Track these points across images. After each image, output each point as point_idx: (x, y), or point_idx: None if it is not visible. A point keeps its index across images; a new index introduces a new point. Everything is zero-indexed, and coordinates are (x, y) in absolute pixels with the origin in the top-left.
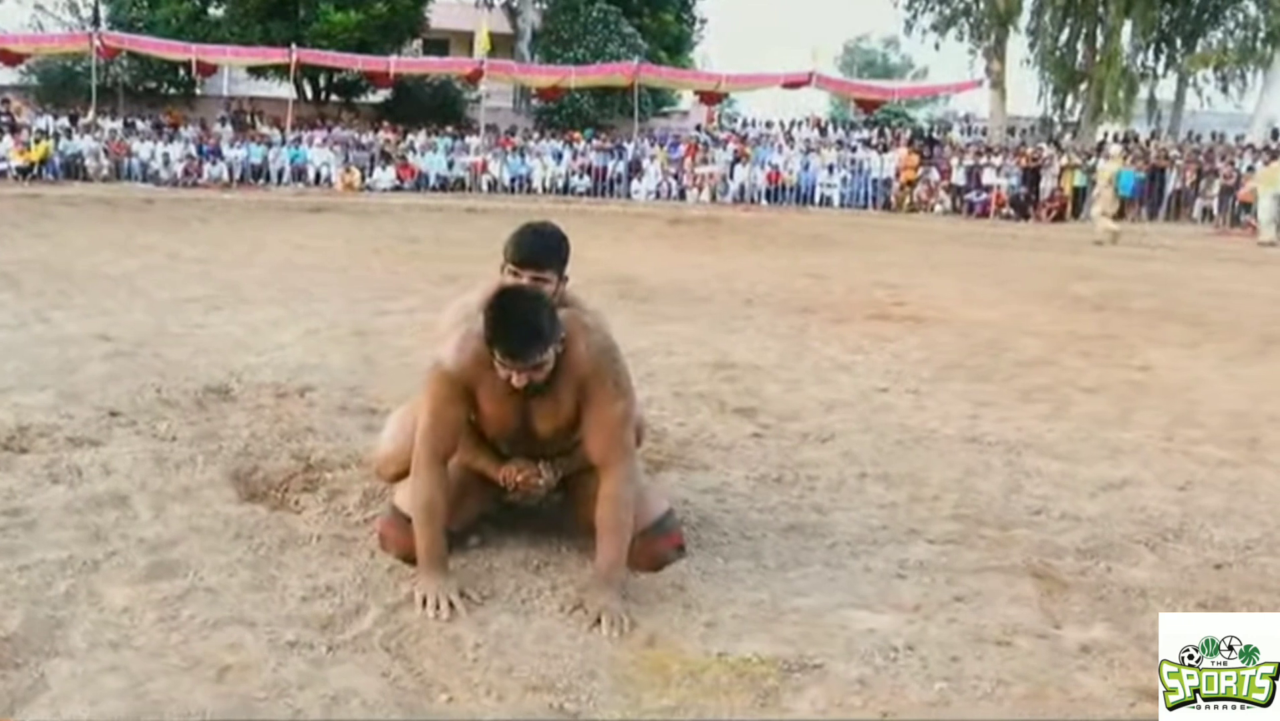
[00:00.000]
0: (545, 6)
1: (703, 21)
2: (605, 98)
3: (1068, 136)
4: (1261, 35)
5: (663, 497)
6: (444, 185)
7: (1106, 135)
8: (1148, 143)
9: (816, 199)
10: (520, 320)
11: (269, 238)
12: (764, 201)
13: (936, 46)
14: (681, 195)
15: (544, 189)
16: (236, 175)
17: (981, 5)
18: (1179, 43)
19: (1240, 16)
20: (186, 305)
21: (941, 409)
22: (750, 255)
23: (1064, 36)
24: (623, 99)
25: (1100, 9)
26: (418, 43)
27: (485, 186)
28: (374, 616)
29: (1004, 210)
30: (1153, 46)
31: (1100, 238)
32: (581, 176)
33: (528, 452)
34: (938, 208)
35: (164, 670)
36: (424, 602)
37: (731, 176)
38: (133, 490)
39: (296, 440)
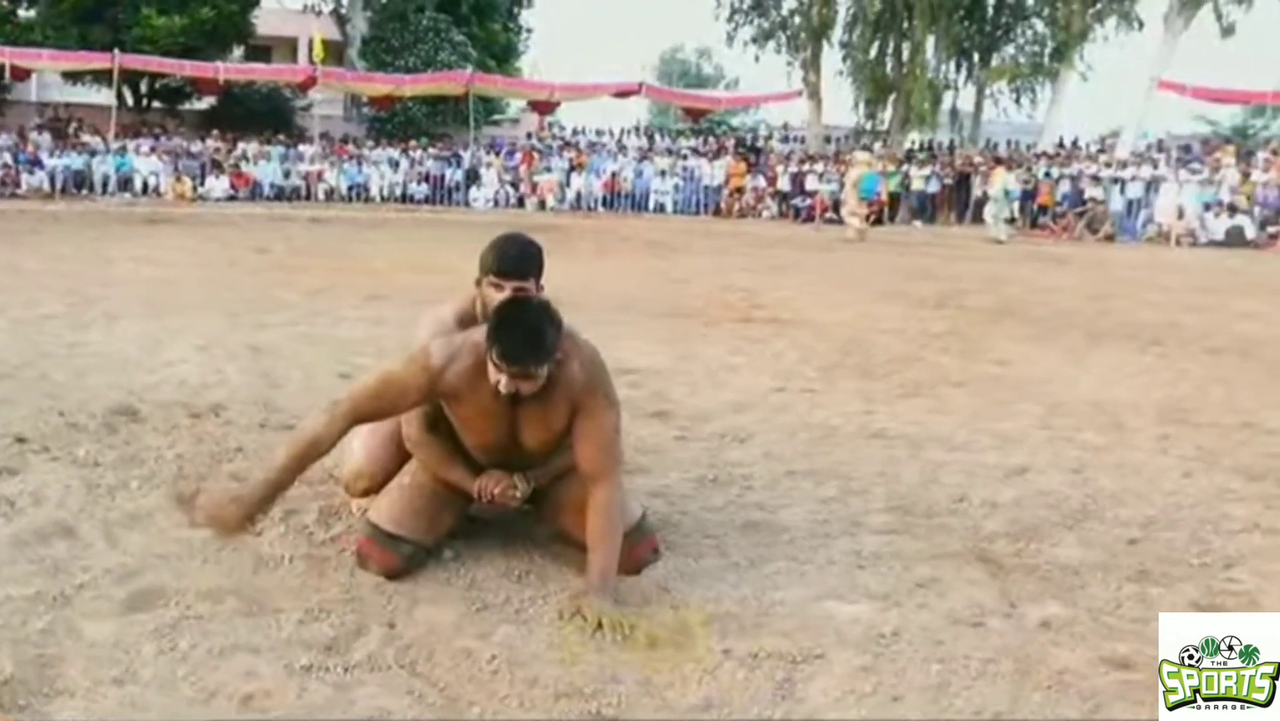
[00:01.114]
0: (374, 14)
1: (528, 31)
2: (437, 106)
3: (879, 144)
4: (1048, 51)
5: (636, 502)
6: (280, 194)
7: (914, 143)
8: (949, 150)
9: (651, 205)
10: (528, 328)
11: (111, 250)
12: (601, 208)
13: (756, 59)
14: (520, 203)
15: (382, 197)
16: (59, 185)
17: (798, 20)
18: (977, 57)
19: (1030, 33)
20: (49, 322)
21: (837, 407)
22: (604, 261)
23: (874, 50)
24: (455, 107)
25: (906, 24)
26: (240, 50)
27: (322, 195)
28: (379, 636)
29: (827, 215)
30: (954, 60)
31: (850, 236)
32: (420, 184)
33: (504, 464)
34: (765, 213)
35: (181, 702)
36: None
37: (568, 184)
38: (76, 519)
39: (229, 461)
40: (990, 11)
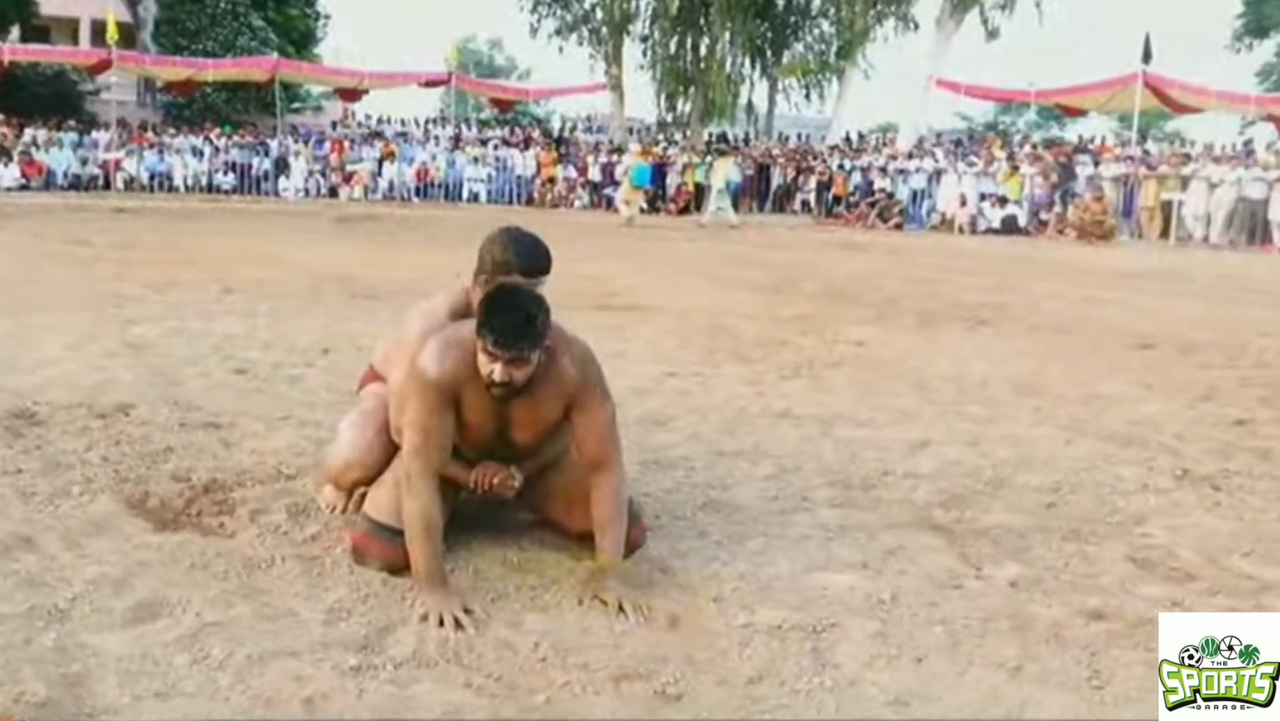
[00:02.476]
0: None
1: (327, 17)
2: (238, 93)
3: (679, 136)
4: (834, 50)
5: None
6: (76, 184)
7: (712, 135)
8: (745, 143)
9: (464, 195)
10: (519, 311)
11: None
12: (415, 198)
13: (560, 50)
14: (333, 193)
15: (187, 187)
16: None
17: (599, 14)
18: (770, 54)
19: (817, 32)
20: None
21: (730, 389)
22: (439, 252)
23: (674, 45)
24: (258, 94)
25: (704, 21)
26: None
27: (122, 184)
28: (412, 631)
29: (641, 205)
30: (749, 56)
31: (623, 222)
32: (226, 174)
33: (494, 458)
34: (577, 202)
35: (240, 711)
36: (429, 619)
37: (380, 174)
38: (28, 530)
39: (163, 462)
40: (781, 11)
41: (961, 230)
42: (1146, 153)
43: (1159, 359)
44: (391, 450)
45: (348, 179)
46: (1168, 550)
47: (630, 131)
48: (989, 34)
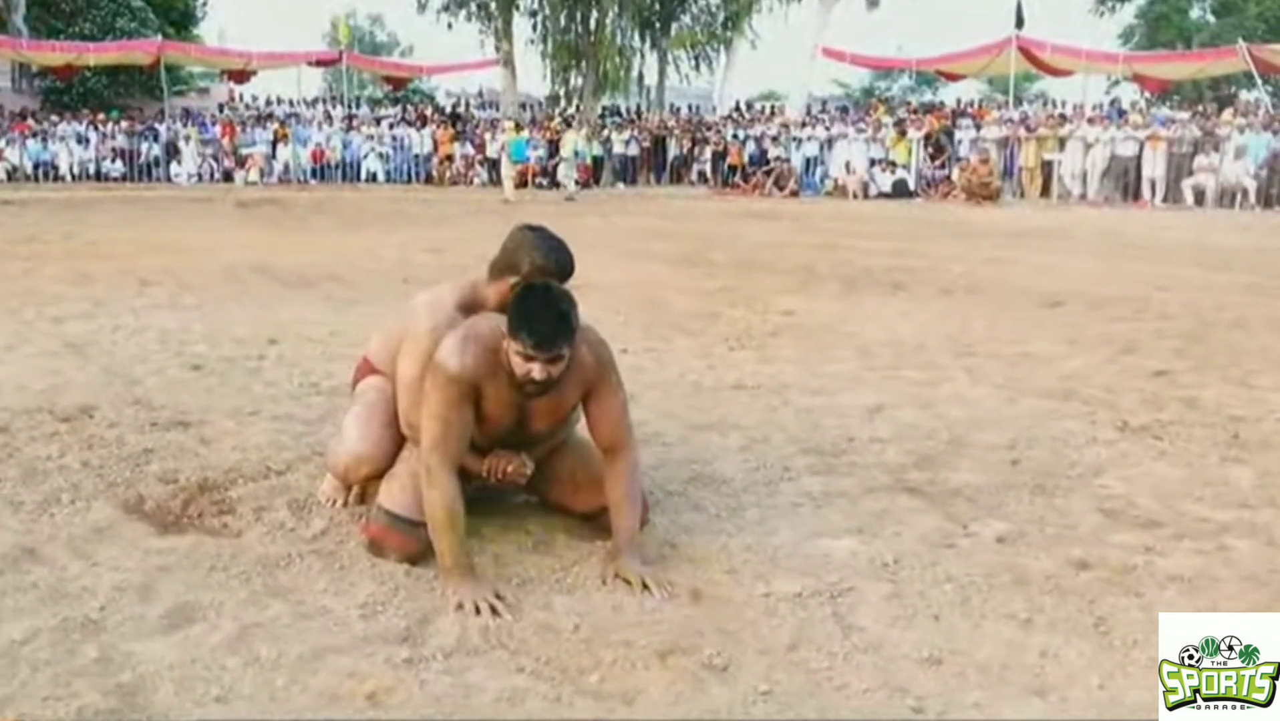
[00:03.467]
0: None
1: None
2: (119, 76)
3: (571, 110)
4: (720, 21)
5: None
6: None
7: (605, 109)
8: (638, 115)
9: (362, 175)
10: (555, 310)
11: None
12: (312, 180)
13: (449, 26)
14: (227, 177)
15: (73, 175)
16: None
17: None
18: (658, 26)
19: (704, 3)
20: None
21: (682, 364)
22: (352, 234)
23: (564, 18)
24: (141, 77)
25: None
26: None
27: (4, 175)
28: (453, 620)
29: (537, 180)
30: (638, 30)
31: (508, 197)
32: (114, 161)
33: (507, 446)
34: (476, 180)
35: (304, 710)
36: (465, 608)
37: (274, 156)
38: (29, 541)
39: (146, 464)
40: None
41: (855, 196)
42: (1025, 115)
43: (1071, 315)
44: (399, 443)
45: (241, 163)
46: (1127, 500)
47: (523, 107)
48: (870, 3)
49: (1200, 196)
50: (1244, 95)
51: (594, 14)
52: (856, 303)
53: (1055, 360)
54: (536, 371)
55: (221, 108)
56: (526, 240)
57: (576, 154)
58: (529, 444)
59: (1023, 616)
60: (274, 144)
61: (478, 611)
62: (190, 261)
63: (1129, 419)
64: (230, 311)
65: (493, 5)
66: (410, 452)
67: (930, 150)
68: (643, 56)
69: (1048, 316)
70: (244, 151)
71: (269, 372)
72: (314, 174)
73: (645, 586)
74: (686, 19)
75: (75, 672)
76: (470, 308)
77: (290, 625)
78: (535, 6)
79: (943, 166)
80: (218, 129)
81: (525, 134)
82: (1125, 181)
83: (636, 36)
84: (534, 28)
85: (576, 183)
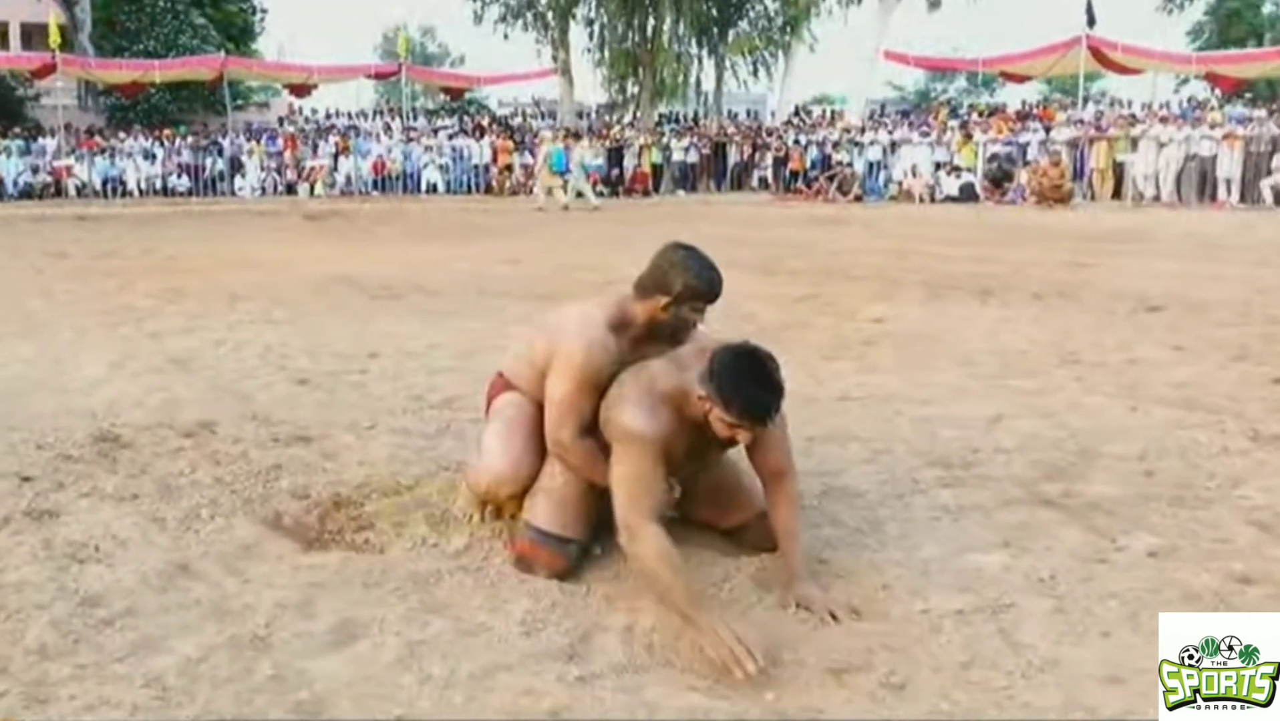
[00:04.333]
0: None
1: (264, 11)
2: (182, 92)
3: (628, 117)
4: (778, 25)
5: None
6: (28, 192)
7: (663, 116)
8: (695, 122)
9: (423, 187)
10: (770, 384)
11: None
12: (374, 192)
13: (506, 36)
14: (290, 190)
15: (140, 191)
16: None
17: None
18: (716, 32)
19: (761, 8)
20: None
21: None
22: (422, 245)
23: (620, 26)
24: (204, 93)
25: (647, 1)
26: None
27: (74, 191)
28: (616, 637)
29: (598, 188)
30: (695, 37)
31: (542, 205)
32: (180, 176)
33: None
34: (535, 189)
35: None
36: (728, 657)
37: (336, 168)
38: (181, 557)
39: (276, 479)
40: None
41: (921, 200)
42: (1099, 115)
43: (1172, 320)
44: (540, 460)
45: (304, 175)
46: (1275, 511)
47: (580, 115)
48: (931, 4)
49: (1279, 196)
50: None
51: (651, 21)
52: (944, 309)
53: (1166, 367)
54: (743, 437)
55: (282, 121)
56: (678, 260)
57: (584, 167)
58: (684, 470)
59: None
60: (336, 156)
61: (748, 658)
62: (272, 275)
63: (1259, 428)
64: (324, 325)
65: (549, 15)
66: (554, 468)
67: (987, 183)
68: (700, 63)
69: (1148, 321)
70: (307, 164)
71: (375, 386)
72: (375, 185)
73: (833, 615)
74: (744, 24)
75: (255, 690)
76: (619, 326)
77: (455, 642)
78: (592, 15)
79: (1004, 195)
80: (280, 142)
81: (561, 144)
82: (1201, 182)
83: (694, 43)
84: (590, 36)
85: (579, 194)
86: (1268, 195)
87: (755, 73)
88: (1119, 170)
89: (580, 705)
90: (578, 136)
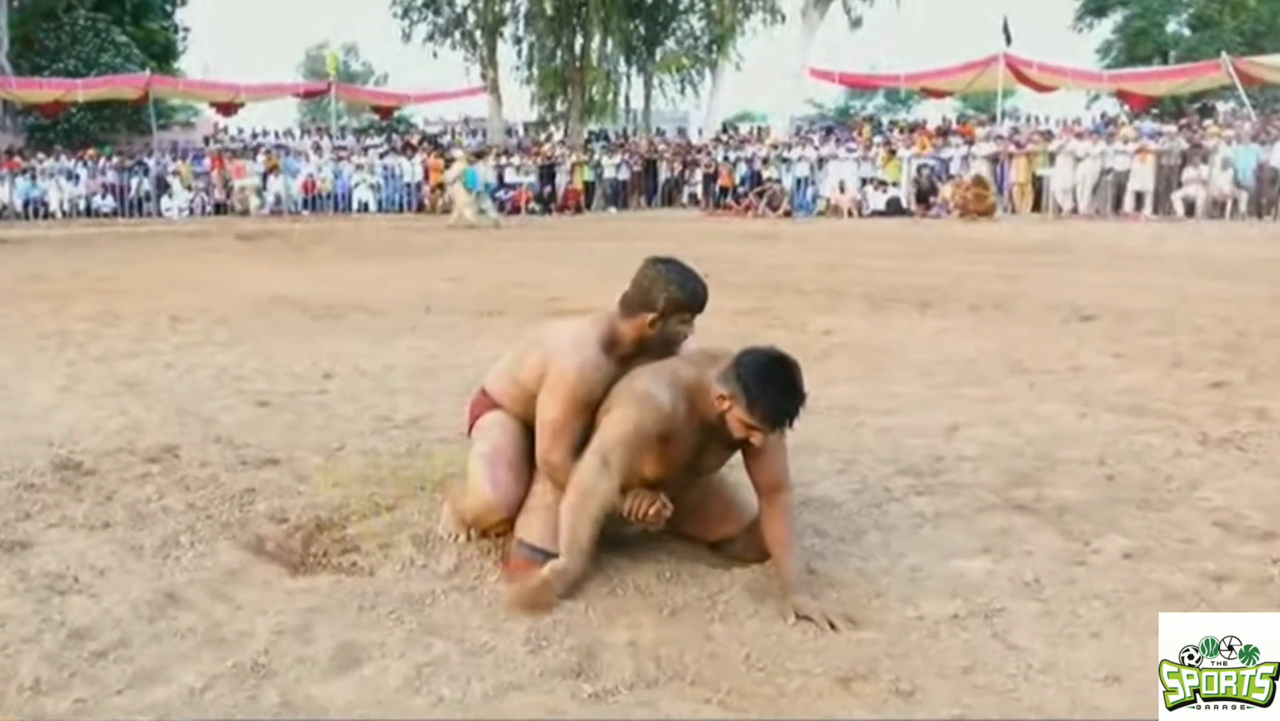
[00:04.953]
0: (16, 12)
1: (186, 30)
2: (103, 111)
3: (558, 135)
4: (704, 44)
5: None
6: None
7: (592, 134)
8: (625, 139)
9: (354, 205)
10: (797, 391)
11: None
12: (304, 211)
13: (435, 55)
14: (218, 209)
15: (63, 212)
16: None
17: (472, 17)
18: (644, 51)
19: (688, 27)
20: None
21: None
22: (363, 265)
23: (549, 45)
24: (126, 112)
25: (575, 20)
26: None
27: None
28: (623, 653)
29: (530, 205)
30: (623, 55)
31: (454, 223)
32: (104, 196)
33: (662, 486)
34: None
35: None
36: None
37: (265, 188)
38: (166, 585)
39: (250, 503)
40: (651, 8)
41: (850, 214)
42: (1015, 131)
43: (1106, 329)
44: (528, 481)
45: (230, 194)
46: (1234, 512)
47: (509, 133)
48: (852, 23)
49: (1190, 208)
50: (1220, 107)
51: (579, 39)
52: (888, 321)
53: (1109, 374)
54: (757, 439)
55: (208, 140)
56: (659, 274)
57: (486, 185)
58: (685, 482)
59: None
60: (265, 176)
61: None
62: (211, 296)
63: (1207, 431)
64: (274, 346)
65: (478, 33)
66: (544, 486)
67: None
68: (628, 81)
69: (1084, 330)
70: (236, 184)
71: (337, 407)
72: (305, 204)
73: (832, 625)
74: (671, 43)
75: (264, 719)
76: (609, 345)
77: (462, 663)
78: (520, 34)
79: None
80: (207, 162)
81: (474, 164)
82: (1116, 195)
83: (622, 61)
84: (519, 54)
85: (483, 211)
86: (1179, 207)
87: (683, 90)
88: (1038, 184)
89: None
90: (480, 156)
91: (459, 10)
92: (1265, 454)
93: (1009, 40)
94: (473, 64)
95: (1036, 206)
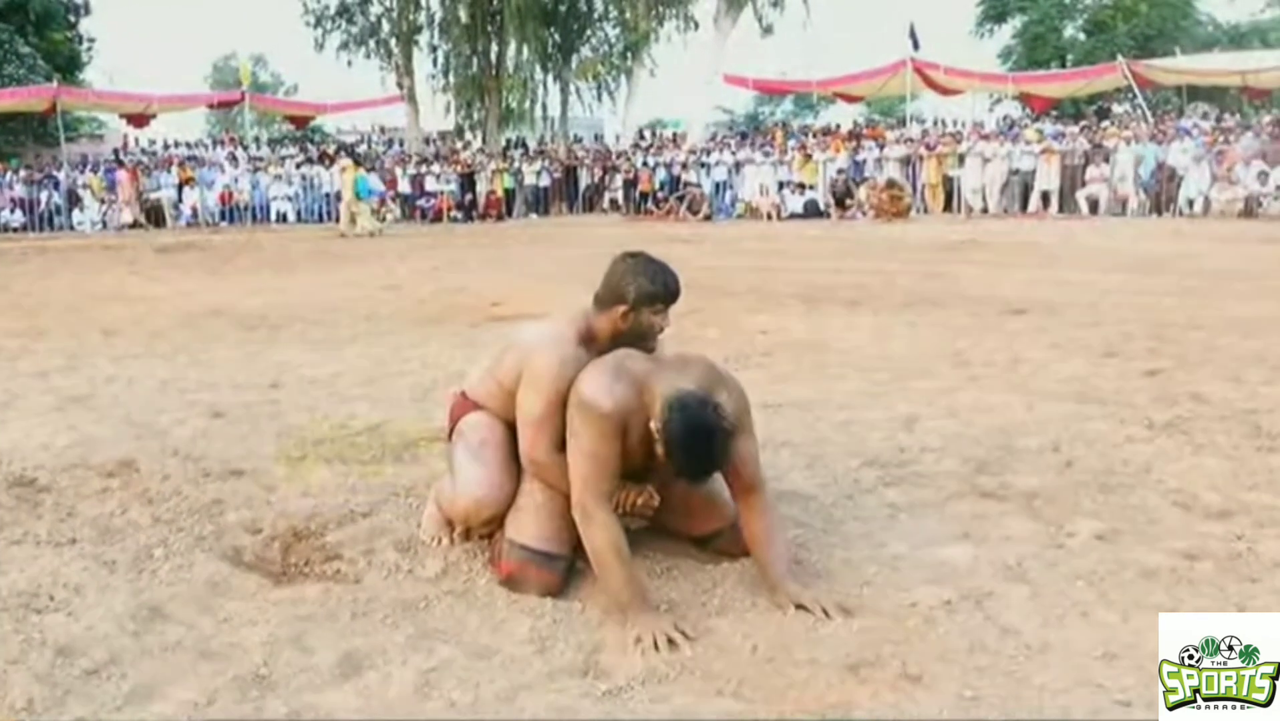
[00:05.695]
0: None
1: (91, 40)
2: (7, 124)
3: (476, 143)
4: (618, 51)
5: None
6: None
7: (510, 141)
8: (541, 146)
9: (272, 216)
10: (716, 455)
11: None
12: (222, 223)
13: (349, 64)
14: (135, 223)
15: None
16: None
17: (386, 25)
18: (560, 58)
19: (602, 34)
20: None
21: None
22: (291, 276)
23: (465, 53)
24: (33, 124)
25: (490, 28)
26: None
27: None
28: (627, 650)
29: (453, 213)
30: (539, 62)
31: (344, 231)
32: (13, 211)
33: (636, 476)
34: (390, 217)
35: None
36: (643, 641)
37: (181, 200)
38: (148, 600)
39: (220, 515)
40: (566, 15)
41: (769, 217)
42: (925, 133)
43: (1036, 322)
44: (517, 480)
45: (143, 207)
46: (1189, 493)
47: (427, 141)
48: (764, 30)
49: (1094, 205)
50: (1115, 109)
51: (495, 47)
52: (824, 319)
53: (1048, 365)
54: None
55: (118, 153)
56: (629, 268)
57: (370, 191)
58: (662, 478)
59: (1168, 606)
60: (179, 188)
61: (659, 645)
62: (140, 310)
63: (1152, 417)
64: (215, 358)
65: (392, 42)
66: (532, 485)
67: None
68: (545, 88)
69: (1015, 324)
70: (154, 195)
71: (291, 416)
72: (223, 216)
73: (826, 612)
74: (587, 50)
75: None
76: (586, 341)
77: (468, 666)
78: (436, 42)
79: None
80: (120, 174)
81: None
82: (1023, 194)
83: (539, 68)
84: (434, 63)
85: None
86: (1083, 205)
87: (599, 97)
88: (949, 185)
89: (620, 718)
90: (358, 163)
91: (373, 19)
92: (1208, 436)
93: (916, 45)
94: (388, 73)
95: (948, 206)
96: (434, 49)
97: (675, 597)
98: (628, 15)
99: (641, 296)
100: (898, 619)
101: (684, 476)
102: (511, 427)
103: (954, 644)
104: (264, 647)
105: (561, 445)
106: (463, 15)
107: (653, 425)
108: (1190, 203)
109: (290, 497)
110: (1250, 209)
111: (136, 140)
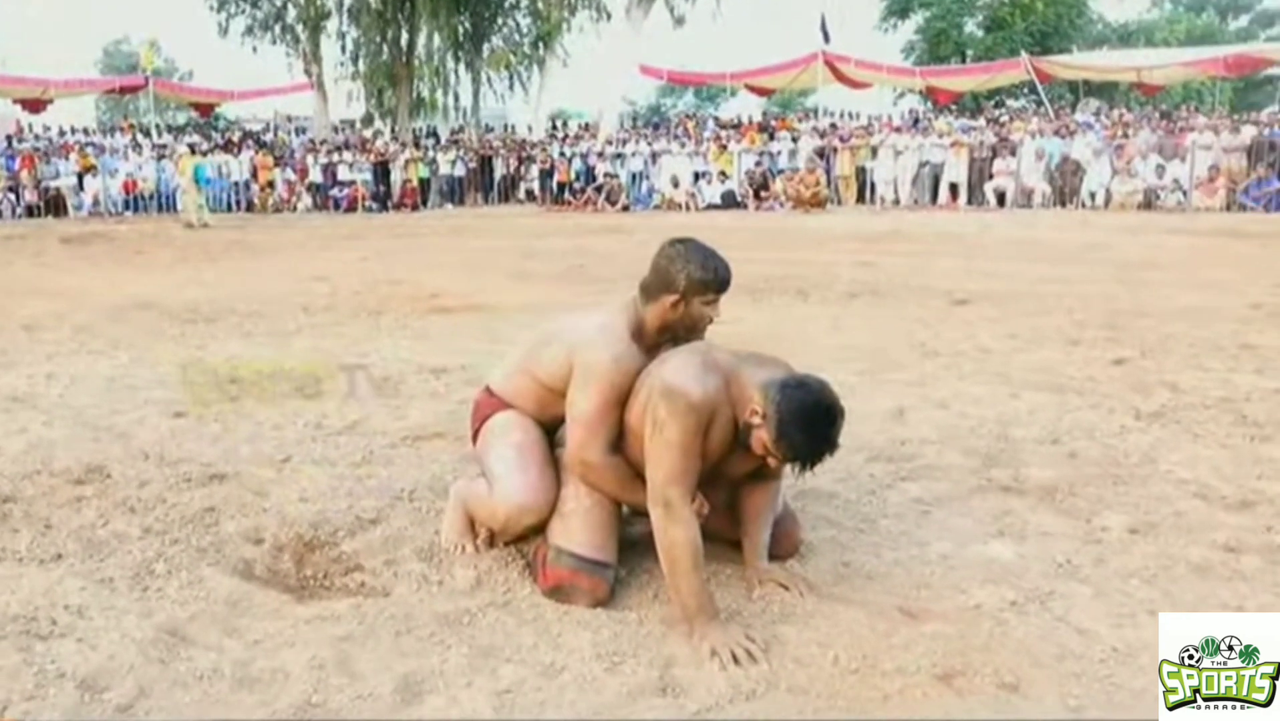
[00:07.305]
0: None
1: None
2: None
3: (387, 132)
4: (529, 41)
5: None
6: None
7: (421, 130)
8: (454, 135)
9: (179, 206)
10: (834, 443)
11: None
12: (126, 212)
13: (254, 50)
14: (32, 212)
15: None
16: None
17: (292, 11)
18: (471, 47)
19: (514, 24)
20: None
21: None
22: (211, 267)
23: (376, 40)
24: None
25: (401, 15)
26: None
27: None
28: (700, 664)
29: (368, 203)
30: (451, 51)
31: (190, 220)
32: None
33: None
34: (300, 206)
35: None
36: (719, 655)
37: (82, 189)
38: (164, 620)
39: (215, 524)
40: (477, 4)
41: (686, 208)
42: (834, 126)
43: (984, 312)
44: (557, 483)
45: (43, 194)
46: (1204, 484)
47: (336, 130)
48: (675, 21)
49: (1001, 198)
50: (1010, 103)
51: (406, 35)
52: (776, 311)
53: (1016, 354)
54: (772, 462)
55: (10, 139)
56: (678, 254)
57: (205, 181)
58: (707, 480)
59: (1234, 604)
60: (80, 176)
61: (735, 660)
62: (62, 303)
63: (1138, 406)
64: (158, 352)
65: (299, 28)
66: (578, 489)
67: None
68: (457, 76)
69: (966, 314)
70: (55, 184)
71: (258, 415)
72: (127, 205)
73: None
74: (498, 40)
75: None
76: (637, 334)
77: (541, 687)
78: (344, 28)
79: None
80: (16, 162)
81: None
82: (934, 186)
83: (450, 57)
84: (343, 49)
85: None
86: (991, 197)
87: (511, 87)
88: (861, 176)
89: None
90: (192, 150)
91: (279, 4)
92: (1199, 426)
93: (827, 38)
94: (295, 60)
95: (861, 198)
96: (343, 35)
97: (732, 606)
98: (540, 4)
99: (693, 285)
100: (969, 623)
101: (798, 460)
102: (545, 426)
103: (1038, 648)
104: (310, 674)
105: (615, 447)
106: (373, 1)
107: (750, 418)
108: (1092, 195)
109: (287, 503)
110: (1149, 201)
111: (30, 126)
